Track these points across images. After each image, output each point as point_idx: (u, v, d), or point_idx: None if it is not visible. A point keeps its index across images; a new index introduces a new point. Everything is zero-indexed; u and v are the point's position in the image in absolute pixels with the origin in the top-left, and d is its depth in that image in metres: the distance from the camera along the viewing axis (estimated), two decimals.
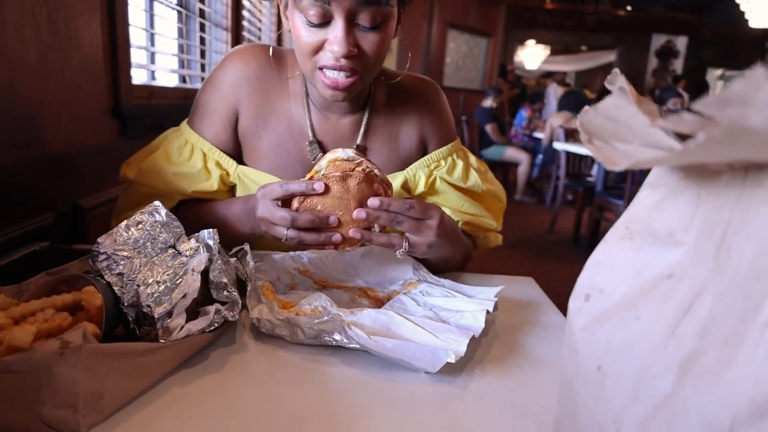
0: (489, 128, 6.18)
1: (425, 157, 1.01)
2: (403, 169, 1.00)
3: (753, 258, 0.29)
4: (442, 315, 0.73)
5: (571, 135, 4.91)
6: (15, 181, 0.97)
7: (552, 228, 4.81)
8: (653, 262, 0.38)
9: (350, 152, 0.78)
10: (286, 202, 0.79)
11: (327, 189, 0.77)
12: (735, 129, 0.21)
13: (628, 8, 10.20)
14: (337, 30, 0.78)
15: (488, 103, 6.32)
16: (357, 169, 0.77)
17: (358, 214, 0.77)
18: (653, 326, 0.35)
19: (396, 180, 0.98)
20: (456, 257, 0.94)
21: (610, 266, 0.41)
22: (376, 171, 0.79)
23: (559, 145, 4.74)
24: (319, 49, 0.81)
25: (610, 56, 11.87)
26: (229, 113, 0.95)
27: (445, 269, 0.96)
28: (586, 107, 0.42)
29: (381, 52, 0.83)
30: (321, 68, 0.83)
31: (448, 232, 0.85)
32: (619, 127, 0.41)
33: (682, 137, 0.34)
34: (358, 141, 0.98)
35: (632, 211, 0.42)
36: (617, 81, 0.42)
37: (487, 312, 0.71)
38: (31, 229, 0.98)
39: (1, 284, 0.66)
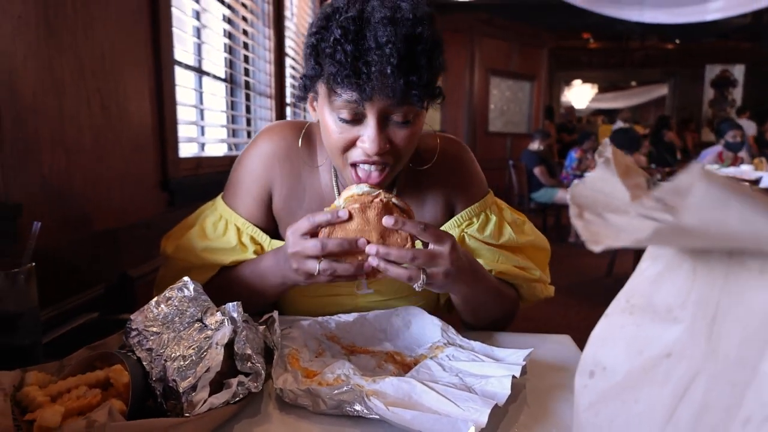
0: (537, 171, 6.10)
1: (456, 217, 1.00)
2: None
3: (740, 344, 0.27)
4: (468, 381, 0.72)
5: None
6: (69, 256, 1.04)
7: (610, 272, 4.61)
8: (653, 340, 0.36)
9: (364, 187, 0.81)
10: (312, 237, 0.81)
11: (350, 217, 0.79)
12: (673, 226, 0.20)
13: (677, 41, 10.00)
14: (369, 129, 0.80)
15: (535, 146, 6.27)
16: (375, 200, 0.79)
17: (369, 250, 0.77)
18: (652, 410, 0.34)
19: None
20: (485, 300, 0.92)
21: (613, 342, 0.40)
22: (394, 200, 0.81)
23: None
24: (350, 146, 0.83)
25: (662, 90, 11.59)
26: (263, 193, 0.98)
27: (482, 316, 0.93)
28: (576, 181, 0.42)
29: (412, 145, 0.85)
30: (353, 164, 0.85)
31: (465, 264, 0.83)
32: (610, 199, 0.40)
33: None
34: None
35: (633, 284, 0.41)
36: (605, 152, 0.42)
37: (514, 377, 0.69)
38: (84, 301, 1.05)
39: (54, 355, 0.70)
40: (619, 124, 8.65)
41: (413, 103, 0.79)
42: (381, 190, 0.81)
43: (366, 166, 0.84)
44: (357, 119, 0.81)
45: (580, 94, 12.74)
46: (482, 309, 0.93)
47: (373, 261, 0.77)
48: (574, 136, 9.03)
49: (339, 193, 0.98)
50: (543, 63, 7.96)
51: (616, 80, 12.50)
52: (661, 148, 7.27)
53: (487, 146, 7.14)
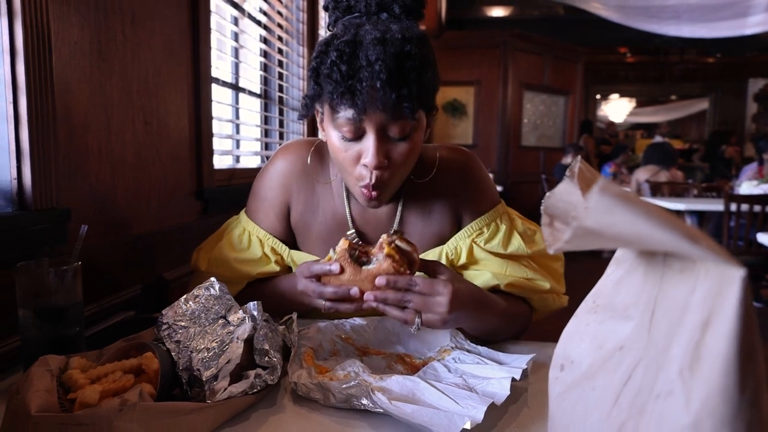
0: None
1: (466, 228, 1.03)
2: (438, 244, 1.04)
3: (665, 333, 0.31)
4: (471, 382, 0.76)
5: (657, 189, 4.69)
6: (111, 258, 1.14)
7: None
8: (611, 335, 0.41)
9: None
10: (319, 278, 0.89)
11: (342, 270, 0.84)
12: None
13: (718, 55, 9.76)
14: (369, 143, 0.87)
15: (567, 160, 6.23)
16: (362, 257, 0.85)
17: (367, 297, 0.82)
18: (604, 395, 0.38)
19: (433, 255, 1.02)
20: (494, 326, 0.94)
21: (580, 338, 0.44)
22: (397, 242, 0.84)
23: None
24: (356, 161, 0.90)
25: (703, 104, 11.31)
26: (282, 208, 1.07)
27: (494, 339, 0.96)
28: (547, 193, 0.46)
29: (409, 160, 0.91)
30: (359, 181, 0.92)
31: (468, 304, 0.86)
32: (576, 209, 0.45)
33: None
34: (395, 227, 1.05)
35: (600, 286, 0.45)
36: (573, 167, 0.46)
37: (513, 379, 0.73)
38: (122, 300, 1.14)
39: (94, 347, 0.78)
40: (658, 138, 8.48)
41: (406, 115, 0.85)
42: (384, 237, 0.85)
43: (366, 191, 0.91)
44: (358, 136, 0.88)
45: (617, 108, 12.53)
46: (491, 333, 0.96)
47: (371, 304, 0.83)
48: (612, 146, 8.90)
49: (349, 206, 1.05)
50: (578, 77, 7.90)
51: (654, 94, 12.26)
52: (719, 164, 7.07)
53: (520, 160, 7.11)
